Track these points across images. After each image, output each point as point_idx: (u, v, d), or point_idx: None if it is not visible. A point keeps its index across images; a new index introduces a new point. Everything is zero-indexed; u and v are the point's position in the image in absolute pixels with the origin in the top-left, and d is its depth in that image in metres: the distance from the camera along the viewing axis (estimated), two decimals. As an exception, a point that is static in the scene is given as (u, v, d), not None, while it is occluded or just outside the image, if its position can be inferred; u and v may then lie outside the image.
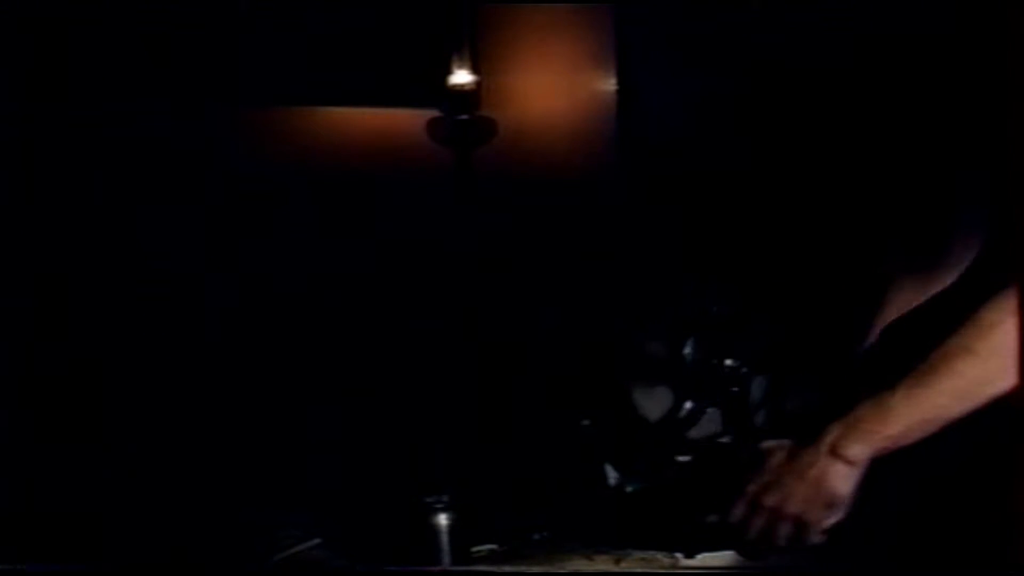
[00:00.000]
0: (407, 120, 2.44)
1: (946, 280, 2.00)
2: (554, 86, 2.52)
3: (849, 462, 1.86)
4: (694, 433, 2.07)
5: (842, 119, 2.13)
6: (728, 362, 2.05)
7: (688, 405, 2.06)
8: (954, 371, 1.86)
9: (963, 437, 1.92)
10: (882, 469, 1.92)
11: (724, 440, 2.07)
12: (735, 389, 2.05)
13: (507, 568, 2.03)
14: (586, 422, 2.14)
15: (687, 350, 2.06)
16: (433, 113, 2.41)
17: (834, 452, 1.87)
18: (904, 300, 2.05)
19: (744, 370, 2.05)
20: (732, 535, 1.97)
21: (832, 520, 1.90)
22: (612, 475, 2.10)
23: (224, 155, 2.49)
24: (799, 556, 1.97)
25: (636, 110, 2.44)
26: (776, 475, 1.91)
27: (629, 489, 2.09)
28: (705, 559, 2.01)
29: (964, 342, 1.87)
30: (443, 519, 2.04)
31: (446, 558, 2.04)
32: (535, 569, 2.01)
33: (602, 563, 2.02)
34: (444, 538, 2.04)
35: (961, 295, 1.98)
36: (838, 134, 2.13)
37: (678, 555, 2.02)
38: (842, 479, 1.86)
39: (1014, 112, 1.65)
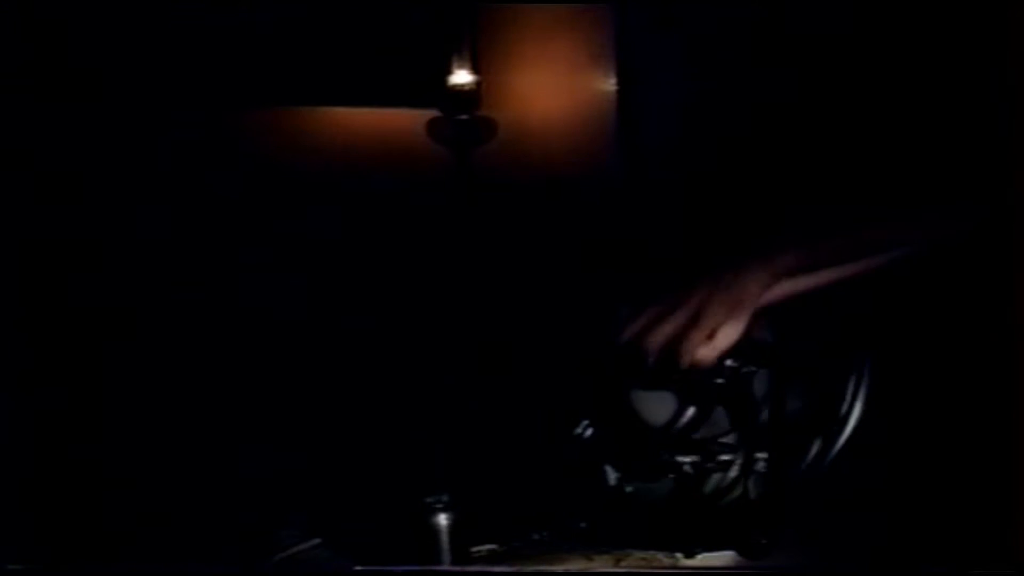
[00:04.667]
0: (407, 120, 2.44)
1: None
2: (554, 86, 2.52)
3: (770, 265, 1.87)
4: (695, 433, 2.07)
5: (843, 117, 2.13)
6: (728, 362, 2.04)
7: (691, 411, 2.05)
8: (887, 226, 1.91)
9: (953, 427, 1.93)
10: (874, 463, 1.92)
11: (727, 440, 2.07)
12: (735, 389, 2.05)
13: (507, 568, 2.02)
14: (586, 422, 2.13)
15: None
16: (433, 113, 2.41)
17: (761, 255, 1.87)
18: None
19: (744, 370, 2.04)
20: (731, 533, 1.97)
21: (724, 330, 1.88)
22: (612, 475, 2.10)
23: (224, 155, 2.49)
24: (799, 556, 1.97)
25: (636, 110, 2.44)
26: (689, 273, 1.91)
27: (629, 489, 2.08)
28: (705, 559, 2.01)
29: None
30: (443, 519, 2.04)
31: (446, 558, 2.03)
32: (535, 569, 2.01)
33: (602, 563, 2.01)
34: (444, 538, 2.03)
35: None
36: (839, 133, 2.13)
37: (678, 555, 2.02)
38: (757, 281, 1.86)
39: (1015, 110, 1.65)
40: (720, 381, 2.03)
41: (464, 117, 2.39)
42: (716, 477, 2.06)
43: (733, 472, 2.06)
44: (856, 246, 1.89)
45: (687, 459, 2.06)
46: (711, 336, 1.90)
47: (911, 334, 2.01)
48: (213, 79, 2.47)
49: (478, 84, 2.41)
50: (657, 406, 2.06)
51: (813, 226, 1.89)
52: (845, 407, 1.99)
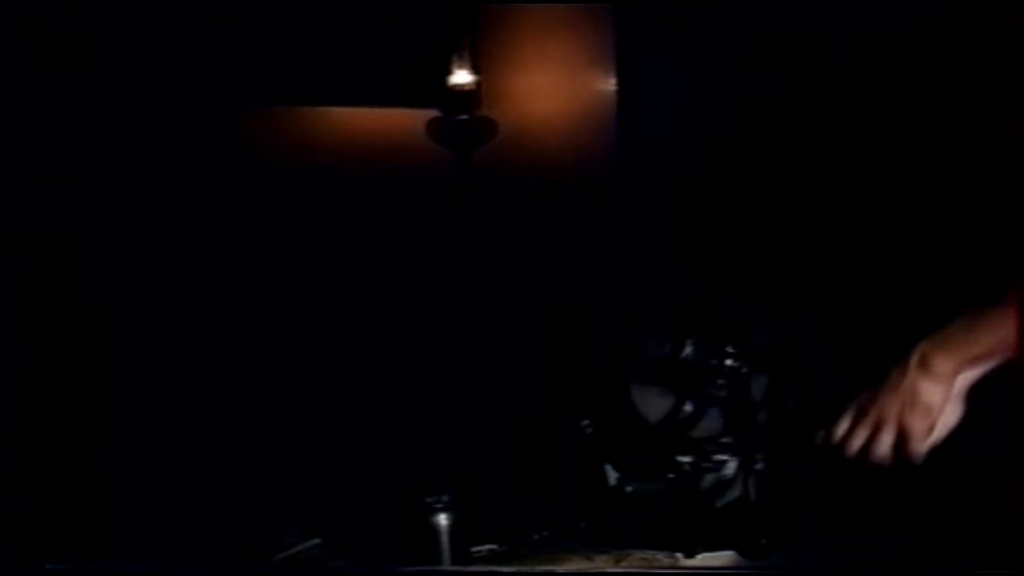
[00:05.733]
0: (407, 120, 2.44)
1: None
2: (554, 86, 2.52)
3: (937, 376, 1.93)
4: (695, 433, 2.07)
5: (842, 116, 2.13)
6: (728, 362, 2.04)
7: (688, 407, 2.06)
8: None
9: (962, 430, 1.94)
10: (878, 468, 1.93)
11: (726, 440, 2.07)
12: (735, 389, 2.05)
13: (507, 568, 2.02)
14: (586, 422, 2.13)
15: (687, 350, 2.05)
16: (433, 113, 2.41)
17: (923, 366, 1.94)
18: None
19: (744, 370, 2.05)
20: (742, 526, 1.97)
21: (930, 432, 1.95)
22: (612, 475, 2.10)
23: (224, 155, 2.49)
24: (799, 556, 1.97)
25: (636, 110, 2.44)
26: (871, 394, 1.97)
27: (629, 489, 2.08)
28: (705, 559, 2.01)
29: None
30: (443, 519, 2.04)
31: (446, 558, 2.03)
32: (535, 569, 2.01)
33: (602, 563, 2.01)
34: (444, 538, 2.03)
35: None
36: (838, 132, 2.13)
37: (678, 555, 2.02)
38: (933, 392, 1.94)
39: (1014, 111, 1.65)
40: (721, 383, 2.04)
41: (464, 117, 2.39)
42: (715, 477, 2.06)
43: (732, 472, 2.06)
44: (1010, 338, 1.93)
45: (686, 459, 2.06)
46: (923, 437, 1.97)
47: (911, 336, 2.01)
48: (214, 78, 2.47)
49: (478, 84, 2.41)
50: (658, 407, 2.07)
51: (963, 327, 1.93)
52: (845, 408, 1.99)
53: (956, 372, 1.94)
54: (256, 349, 2.48)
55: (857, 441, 1.98)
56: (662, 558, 2.02)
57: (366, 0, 2.47)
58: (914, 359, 1.95)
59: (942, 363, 1.93)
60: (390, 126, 2.50)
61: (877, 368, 1.97)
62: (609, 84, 2.48)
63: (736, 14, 2.27)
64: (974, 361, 1.93)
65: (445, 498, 2.05)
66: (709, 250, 2.24)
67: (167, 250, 2.47)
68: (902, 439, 1.96)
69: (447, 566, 2.03)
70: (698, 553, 2.01)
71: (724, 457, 2.06)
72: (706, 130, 2.33)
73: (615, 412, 2.10)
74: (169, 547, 2.20)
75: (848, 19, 2.14)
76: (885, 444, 1.96)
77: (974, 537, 1.91)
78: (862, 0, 2.14)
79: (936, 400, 1.94)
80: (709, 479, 2.06)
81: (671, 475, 2.06)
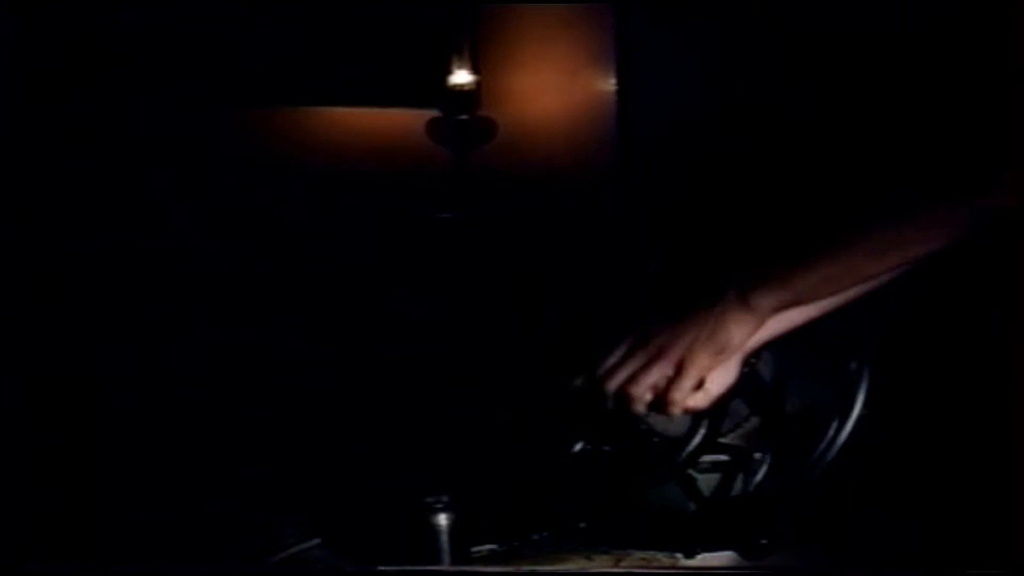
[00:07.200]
0: (407, 120, 2.45)
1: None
2: (554, 86, 2.52)
3: (752, 309, 1.77)
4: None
5: (842, 118, 2.13)
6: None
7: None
8: (883, 232, 1.76)
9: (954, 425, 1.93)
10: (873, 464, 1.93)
11: (726, 440, 2.07)
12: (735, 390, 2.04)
13: (507, 568, 2.02)
14: (585, 422, 2.13)
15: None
16: (433, 113, 2.42)
17: (740, 297, 1.77)
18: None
19: (743, 370, 2.04)
20: (728, 532, 1.97)
21: (702, 383, 1.80)
22: (611, 474, 2.10)
23: (224, 155, 2.50)
24: (799, 556, 1.97)
25: (636, 110, 2.44)
26: (666, 315, 1.81)
27: (629, 489, 2.08)
28: (705, 559, 2.01)
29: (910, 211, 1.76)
30: (443, 519, 2.04)
31: (446, 558, 2.03)
32: (535, 569, 2.01)
33: (602, 563, 2.01)
34: (444, 538, 2.03)
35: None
36: (838, 133, 2.13)
37: (678, 555, 2.02)
38: (740, 326, 1.77)
39: (1014, 111, 1.65)
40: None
41: (464, 117, 2.40)
42: (715, 477, 2.06)
43: (734, 473, 2.06)
44: (839, 276, 1.81)
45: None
46: (700, 385, 1.82)
47: (910, 335, 2.01)
48: (212, 79, 2.47)
49: (478, 84, 2.41)
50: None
51: (791, 260, 1.81)
52: (845, 407, 1.99)
53: (774, 309, 1.77)
54: (256, 350, 2.48)
55: (623, 374, 1.80)
56: (662, 558, 2.02)
57: (366, 0, 2.47)
58: (732, 289, 1.77)
59: (761, 298, 1.76)
60: (390, 126, 2.50)
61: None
62: (609, 84, 2.48)
63: (736, 13, 2.28)
64: (792, 300, 1.77)
65: (445, 498, 2.04)
66: (709, 250, 2.23)
67: (166, 250, 2.47)
68: (674, 380, 1.79)
69: (447, 566, 2.03)
70: (698, 553, 2.01)
71: (725, 457, 2.05)
72: (706, 130, 2.33)
73: (614, 415, 2.09)
74: (169, 547, 2.20)
75: (851, 19, 2.14)
76: (651, 381, 1.79)
77: (973, 537, 1.91)
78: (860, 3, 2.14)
79: (739, 339, 1.77)
80: (709, 479, 2.05)
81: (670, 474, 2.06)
